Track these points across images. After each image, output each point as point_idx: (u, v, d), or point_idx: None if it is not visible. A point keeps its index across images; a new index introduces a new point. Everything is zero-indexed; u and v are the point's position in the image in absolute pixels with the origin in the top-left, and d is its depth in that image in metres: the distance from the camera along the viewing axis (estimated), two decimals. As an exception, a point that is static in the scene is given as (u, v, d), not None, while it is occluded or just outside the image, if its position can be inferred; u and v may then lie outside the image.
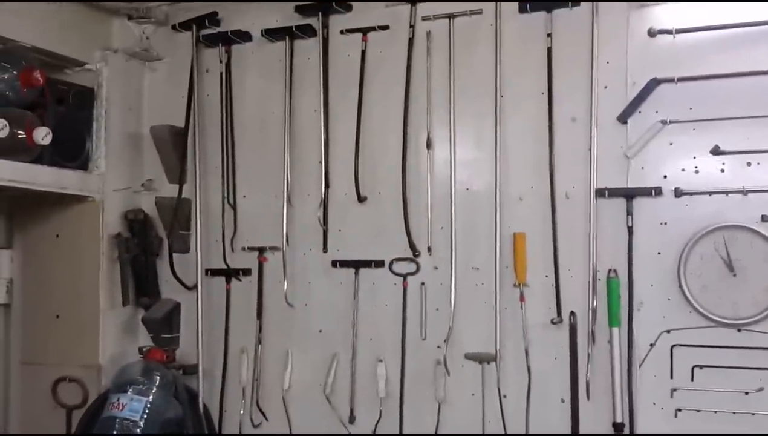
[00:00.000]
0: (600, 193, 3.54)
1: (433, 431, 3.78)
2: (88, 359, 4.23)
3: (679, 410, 3.38)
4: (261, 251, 4.23)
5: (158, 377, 3.99)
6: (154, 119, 4.49)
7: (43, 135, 3.74)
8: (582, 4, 3.62)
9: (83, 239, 4.29)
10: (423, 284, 3.89)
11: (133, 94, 4.54)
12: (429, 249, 3.87)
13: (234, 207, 4.31)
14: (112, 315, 4.32)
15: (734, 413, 3.30)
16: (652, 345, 3.45)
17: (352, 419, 3.97)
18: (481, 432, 3.70)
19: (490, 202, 3.76)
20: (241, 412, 4.20)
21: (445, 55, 3.89)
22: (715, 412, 3.33)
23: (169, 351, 4.23)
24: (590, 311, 3.53)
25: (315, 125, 4.14)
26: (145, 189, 4.52)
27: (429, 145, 3.91)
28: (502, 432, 3.67)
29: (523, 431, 3.63)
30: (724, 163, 3.40)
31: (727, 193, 3.37)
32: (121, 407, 3.88)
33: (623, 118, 3.54)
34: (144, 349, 4.21)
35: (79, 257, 4.29)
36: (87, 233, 4.28)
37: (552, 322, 3.58)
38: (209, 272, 4.32)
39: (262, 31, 4.22)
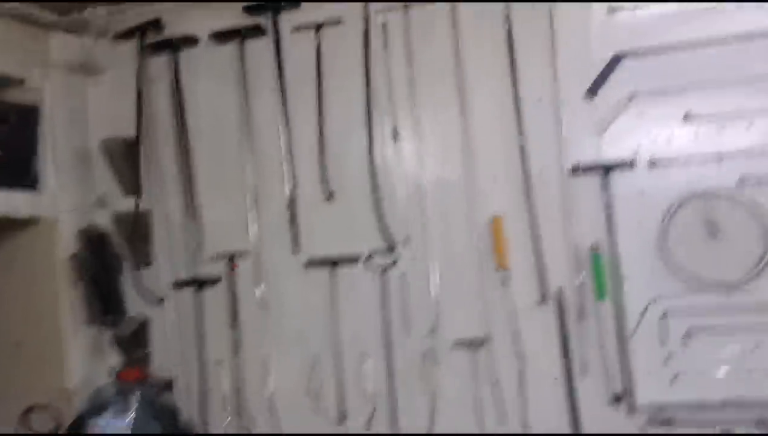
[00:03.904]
0: (575, 169, 2.95)
1: (428, 422, 3.11)
2: (56, 385, 3.42)
3: (675, 375, 2.83)
4: (230, 257, 3.45)
5: (135, 397, 3.25)
6: (103, 133, 3.67)
7: (-15, 157, 2.86)
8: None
9: (39, 263, 3.46)
10: (402, 275, 3.22)
11: (78, 108, 3.70)
12: (405, 240, 3.20)
13: (197, 214, 3.50)
14: (77, 337, 3.51)
15: (730, 374, 2.76)
16: (641, 315, 2.89)
17: (342, 419, 3.26)
18: (477, 418, 3.05)
19: (463, 188, 3.14)
20: (225, 424, 3.40)
21: (403, 45, 3.25)
22: (711, 374, 2.80)
23: (142, 369, 3.40)
24: (577, 287, 2.93)
25: (274, 125, 3.41)
26: (100, 205, 3.67)
27: (395, 136, 3.21)
28: (498, 416, 3.03)
29: (520, 412, 3.00)
30: (697, 129, 2.85)
31: (702, 158, 2.82)
32: (99, 431, 3.15)
33: (590, 95, 2.96)
34: (116, 369, 3.37)
35: (36, 282, 3.46)
36: (42, 255, 3.46)
37: (541, 301, 2.98)
38: (177, 284, 3.49)
39: (210, 34, 3.41)
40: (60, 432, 3.34)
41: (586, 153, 3.01)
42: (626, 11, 2.96)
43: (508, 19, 3.11)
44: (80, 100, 3.70)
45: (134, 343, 3.53)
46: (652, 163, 2.92)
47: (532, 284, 3.05)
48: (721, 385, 2.80)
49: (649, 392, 2.89)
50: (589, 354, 2.97)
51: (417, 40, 3.23)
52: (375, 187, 3.23)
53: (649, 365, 2.91)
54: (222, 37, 3.45)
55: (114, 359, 3.53)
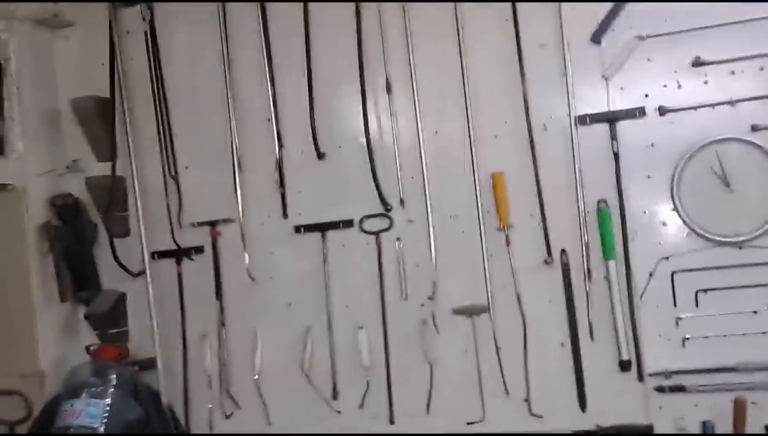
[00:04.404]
0: (581, 120, 3.44)
1: (426, 395, 3.62)
2: (27, 367, 3.86)
3: (687, 338, 3.33)
4: (212, 224, 3.97)
5: (114, 377, 3.65)
6: (72, 92, 4.13)
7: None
8: None
9: (7, 232, 3.90)
10: (398, 239, 3.71)
11: (46, 65, 4.18)
12: (401, 202, 3.70)
13: (176, 179, 4.02)
14: (49, 314, 3.98)
15: (744, 334, 3.25)
16: (651, 275, 3.38)
17: (335, 395, 3.78)
18: (479, 391, 3.55)
19: (462, 143, 3.60)
20: (210, 405, 3.92)
21: (399, -9, 3.68)
22: (724, 336, 3.28)
23: (120, 347, 3.93)
24: (583, 247, 3.42)
25: (259, 81, 3.89)
26: (71, 170, 4.16)
27: (389, 89, 3.71)
28: (500, 388, 3.53)
29: (523, 381, 3.50)
30: (707, 75, 3.33)
31: (713, 105, 3.31)
32: (76, 415, 3.54)
33: (596, 38, 3.44)
34: (92, 348, 3.88)
35: (4, 253, 3.90)
36: (10, 224, 3.91)
37: (545, 262, 3.46)
38: (156, 255, 4.02)
39: (188, -20, 3.92)
40: (31, 418, 3.83)
41: (593, 102, 3.46)
42: (633, -52, 3.42)
43: (507, -46, 3.57)
44: (47, 56, 4.17)
45: (110, 320, 4.01)
46: (662, 112, 3.38)
47: (535, 244, 3.51)
48: (733, 348, 3.27)
49: (658, 357, 3.36)
50: (595, 318, 3.45)
51: (414, -12, 3.67)
52: (368, 146, 3.71)
53: (658, 328, 3.37)
54: (201, -17, 3.94)
55: (89, 337, 4.02)
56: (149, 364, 3.92)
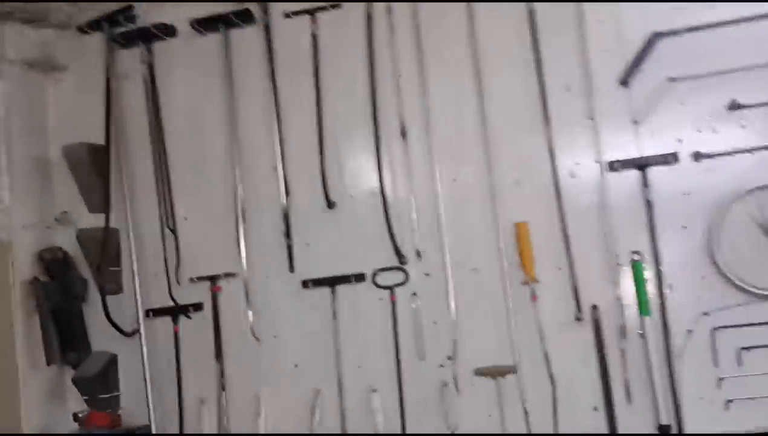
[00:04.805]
0: (611, 166, 3.23)
1: (447, 465, 3.33)
2: (9, 433, 3.56)
3: (730, 401, 3.08)
4: (213, 279, 3.71)
5: None
6: (64, 139, 3.92)
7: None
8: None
9: (-9, 289, 3.62)
10: (414, 294, 3.47)
11: (37, 110, 3.97)
12: (417, 254, 3.47)
13: (174, 232, 3.76)
14: (35, 377, 3.70)
15: (793, 396, 3.01)
16: (689, 331, 3.14)
17: (347, 463, 3.48)
18: (505, 458, 3.26)
19: (482, 191, 3.40)
20: (208, 478, 3.61)
21: (411, 29, 3.54)
22: (771, 398, 3.03)
23: (112, 414, 3.63)
24: (616, 302, 3.19)
25: (264, 126, 3.69)
26: (60, 223, 3.92)
27: (404, 134, 3.51)
28: (530, 454, 3.25)
29: (554, 450, 3.22)
30: (744, 119, 3.16)
31: (751, 150, 3.13)
32: None
33: (624, 81, 3.26)
34: (81, 415, 3.61)
35: (-13, 312, 3.61)
36: (-5, 280, 3.62)
37: (576, 319, 3.21)
38: (151, 313, 3.74)
39: (191, 22, 3.73)
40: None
41: (622, 148, 3.28)
42: (662, -13, 3.26)
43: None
44: (39, 100, 3.96)
45: (101, 384, 3.70)
46: (697, 158, 3.20)
47: (564, 299, 3.28)
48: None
49: (699, 420, 3.10)
50: (632, 378, 3.20)
51: (427, 23, 3.50)
52: (382, 194, 3.49)
53: (699, 390, 3.13)
54: (204, 25, 3.73)
55: (77, 403, 3.73)
56: (143, 432, 3.63)
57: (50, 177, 3.96)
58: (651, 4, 3.27)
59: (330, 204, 3.55)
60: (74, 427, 3.64)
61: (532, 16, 3.39)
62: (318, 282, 3.57)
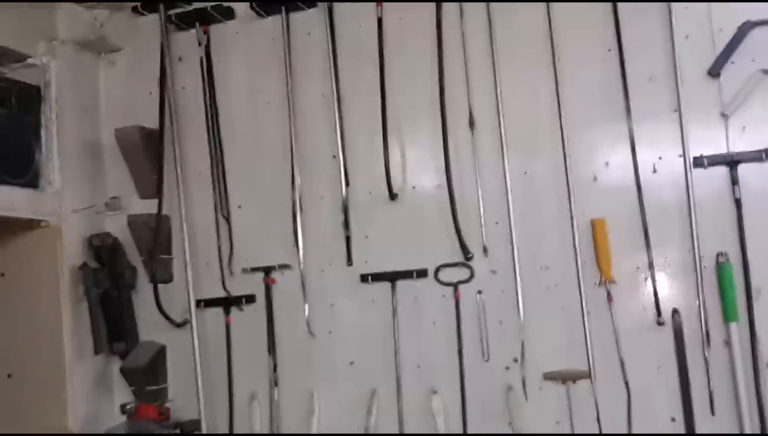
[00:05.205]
0: (697, 162, 3.03)
1: (512, 474, 3.15)
2: (54, 425, 3.46)
3: (823, 415, 2.86)
4: (267, 271, 3.56)
5: None
6: (116, 122, 3.80)
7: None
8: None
9: (39, 274, 3.55)
10: (479, 292, 3.30)
11: (89, 92, 3.87)
12: (484, 250, 3.30)
13: (228, 220, 3.62)
14: (81, 367, 3.59)
15: None
16: (779, 339, 2.93)
17: (405, 468, 3.32)
18: (574, 468, 3.08)
19: (556, 185, 3.22)
20: (259, 476, 3.48)
21: (483, 13, 3.36)
22: None
23: (160, 407, 3.50)
24: (700, 306, 2.99)
25: (324, 113, 3.55)
26: (109, 208, 3.82)
27: (472, 124, 3.34)
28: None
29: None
30: (843, 114, 2.92)
31: None
32: None
33: (715, 71, 3.07)
34: (128, 407, 3.49)
35: (34, 297, 3.54)
36: (43, 265, 3.54)
37: (658, 323, 3.02)
38: (202, 303, 3.62)
39: (251, 3, 3.58)
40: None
41: (709, 143, 3.07)
42: (755, -28, 3.06)
43: (612, -18, 3.22)
44: (91, 82, 3.85)
45: (149, 375, 3.59)
46: (791, 155, 2.99)
47: (642, 302, 3.10)
48: None
49: (791, 434, 2.91)
50: (715, 389, 2.99)
51: (500, 7, 3.33)
52: (449, 186, 3.31)
53: (790, 402, 2.94)
54: (265, 7, 3.59)
55: (124, 394, 3.62)
56: (192, 427, 3.52)
57: (101, 161, 3.87)
58: (743, -9, 3.04)
59: (392, 195, 3.38)
60: (121, 419, 3.49)
61: (614, 1, 3.17)
62: (377, 277, 3.41)
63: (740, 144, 3.06)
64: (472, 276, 3.31)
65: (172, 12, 3.73)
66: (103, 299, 3.64)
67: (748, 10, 3.05)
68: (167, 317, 3.60)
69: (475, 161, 3.34)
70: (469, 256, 3.30)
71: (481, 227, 3.30)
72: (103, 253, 3.70)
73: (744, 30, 3.03)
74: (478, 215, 3.31)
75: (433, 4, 3.38)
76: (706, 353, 2.99)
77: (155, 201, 3.65)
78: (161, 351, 3.67)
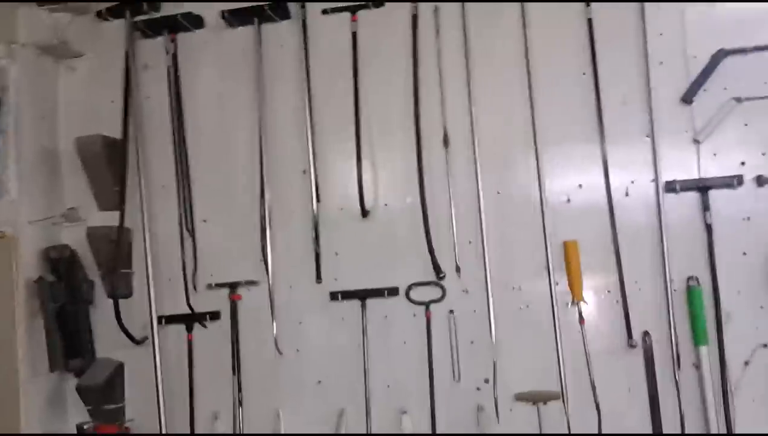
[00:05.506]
0: (669, 186, 3.06)
1: (483, 496, 3.13)
2: (5, 444, 3.28)
3: (790, 439, 2.91)
4: (233, 287, 3.47)
5: None
6: (75, 130, 3.64)
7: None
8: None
9: (-7, 287, 3.35)
10: (451, 312, 3.28)
11: (47, 98, 3.71)
12: (457, 269, 3.26)
13: (193, 234, 3.52)
14: (35, 385, 3.44)
15: None
16: (747, 363, 2.98)
17: (373, 491, 3.26)
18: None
19: (529, 206, 3.22)
20: (220, 499, 3.37)
21: (459, 32, 3.35)
22: (835, 437, 2.87)
23: (120, 426, 3.37)
24: (670, 329, 3.02)
25: (295, 127, 3.48)
26: (67, 220, 3.66)
27: (446, 142, 3.32)
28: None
29: (598, 484, 3.03)
30: (812, 143, 3.00)
31: (819, 177, 2.97)
32: None
33: (688, 98, 3.11)
34: (86, 426, 3.36)
35: (-13, 312, 3.34)
36: (-3, 278, 3.35)
37: (629, 345, 3.03)
38: (164, 320, 3.50)
39: (222, 12, 3.50)
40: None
41: (681, 168, 3.12)
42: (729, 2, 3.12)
43: (588, 5, 3.23)
44: (51, 88, 3.71)
45: (106, 394, 3.45)
46: (760, 182, 3.04)
47: (613, 325, 3.11)
48: None
49: (759, 458, 2.95)
50: (685, 411, 3.02)
51: (476, 26, 3.32)
52: (423, 204, 3.28)
53: (756, 426, 2.96)
54: (236, 17, 3.51)
55: (78, 413, 3.48)
56: (152, 447, 3.36)
57: (59, 170, 3.71)
58: (717, 19, 3.09)
59: (364, 213, 3.33)
60: (76, 439, 3.35)
61: (590, 24, 3.19)
62: (347, 294, 3.36)
63: (712, 170, 3.10)
64: (444, 295, 3.28)
65: (138, 18, 3.60)
66: (59, 314, 3.50)
67: (721, 39, 3.09)
68: (127, 334, 3.47)
69: (449, 180, 3.31)
70: (442, 275, 3.27)
71: (454, 246, 3.28)
72: (61, 266, 3.56)
73: (717, 58, 3.08)
74: (451, 234, 3.28)
75: (408, 20, 3.35)
76: (677, 376, 3.01)
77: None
78: (119, 369, 3.53)
